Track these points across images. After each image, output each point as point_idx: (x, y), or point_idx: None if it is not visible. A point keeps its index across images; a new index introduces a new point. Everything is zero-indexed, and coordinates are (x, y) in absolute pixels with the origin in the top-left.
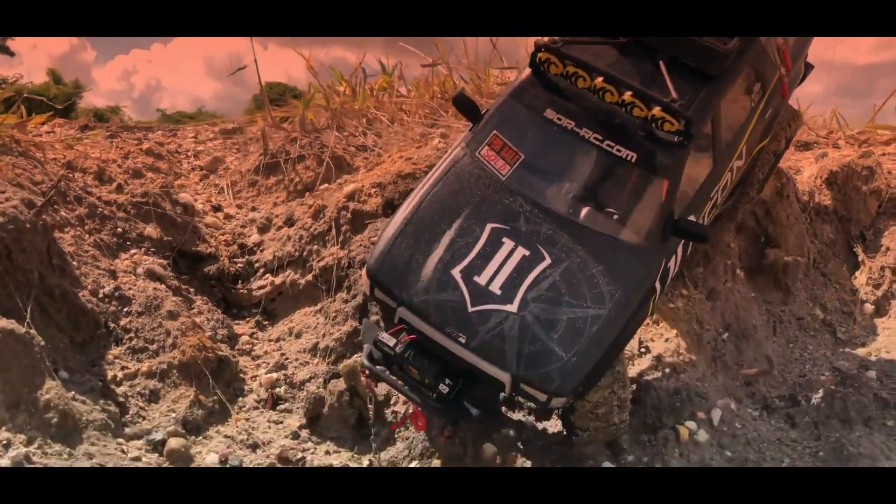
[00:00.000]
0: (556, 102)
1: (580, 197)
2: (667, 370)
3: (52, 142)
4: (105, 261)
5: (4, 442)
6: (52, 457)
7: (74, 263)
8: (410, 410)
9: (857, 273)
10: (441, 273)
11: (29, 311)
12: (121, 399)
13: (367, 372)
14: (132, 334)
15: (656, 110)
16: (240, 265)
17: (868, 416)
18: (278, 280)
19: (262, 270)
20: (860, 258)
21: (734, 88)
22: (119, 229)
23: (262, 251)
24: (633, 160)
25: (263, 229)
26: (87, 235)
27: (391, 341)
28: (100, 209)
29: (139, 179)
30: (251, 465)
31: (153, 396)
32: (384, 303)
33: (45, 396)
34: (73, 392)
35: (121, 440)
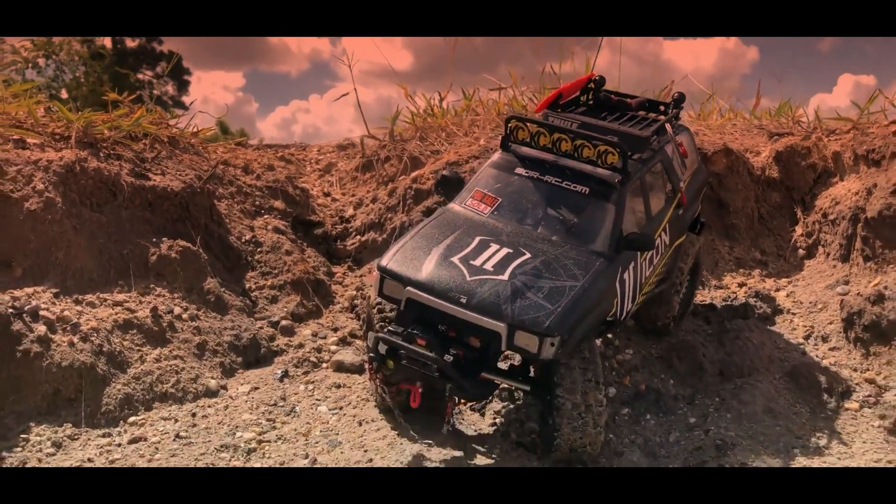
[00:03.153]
0: (523, 161)
1: (548, 221)
2: None
3: (215, 146)
4: (247, 220)
5: (185, 308)
6: (209, 318)
7: (227, 220)
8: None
9: (796, 227)
10: (442, 259)
11: (198, 241)
12: (253, 298)
13: (373, 367)
14: (262, 264)
15: (601, 147)
16: (339, 229)
17: (762, 316)
18: (364, 238)
19: (353, 233)
20: (798, 216)
21: (653, 167)
22: (256, 202)
23: (354, 220)
24: (587, 192)
25: (357, 206)
26: (236, 205)
27: (398, 329)
28: (244, 189)
29: (272, 172)
30: (328, 342)
31: (273, 299)
32: (391, 298)
33: (207, 286)
34: (223, 289)
35: (252, 319)
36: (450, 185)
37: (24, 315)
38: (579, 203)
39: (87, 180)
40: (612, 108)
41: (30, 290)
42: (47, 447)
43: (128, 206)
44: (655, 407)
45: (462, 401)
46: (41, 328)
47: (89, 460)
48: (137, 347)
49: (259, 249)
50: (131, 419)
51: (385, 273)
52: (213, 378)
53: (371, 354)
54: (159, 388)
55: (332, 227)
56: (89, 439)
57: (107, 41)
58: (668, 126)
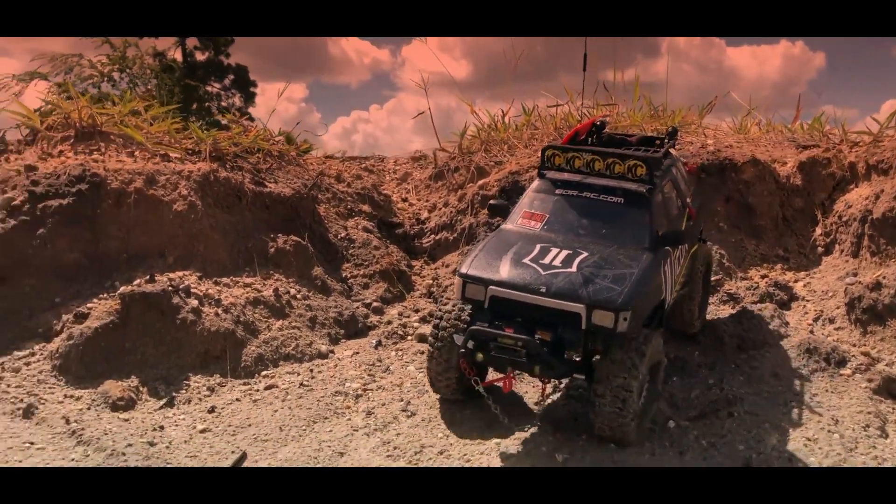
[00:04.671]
0: (561, 184)
1: (594, 229)
2: None
3: (311, 160)
4: (341, 221)
5: (299, 290)
6: (317, 299)
7: (326, 220)
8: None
9: (816, 228)
10: (516, 261)
11: (305, 237)
12: (349, 284)
13: (466, 361)
14: (355, 257)
15: (630, 161)
16: (416, 229)
17: (779, 301)
18: (437, 237)
19: (428, 232)
20: (818, 219)
21: (668, 182)
22: (348, 206)
23: (429, 222)
24: (622, 202)
25: (431, 210)
26: (332, 208)
27: (485, 325)
28: (338, 195)
29: (360, 181)
30: (411, 320)
31: (365, 286)
32: (472, 300)
33: (314, 273)
34: (327, 276)
35: (350, 300)
36: (499, 212)
37: (180, 292)
38: (617, 212)
39: (219, 187)
40: (618, 143)
41: (180, 273)
42: (203, 391)
43: (250, 209)
44: (681, 371)
45: (545, 382)
46: (193, 302)
47: (236, 400)
48: (265, 319)
49: (352, 245)
50: (264, 373)
51: (466, 278)
52: (323, 344)
53: (462, 350)
54: (283, 351)
55: (411, 227)
56: (234, 386)
57: (177, 54)
58: (672, 151)
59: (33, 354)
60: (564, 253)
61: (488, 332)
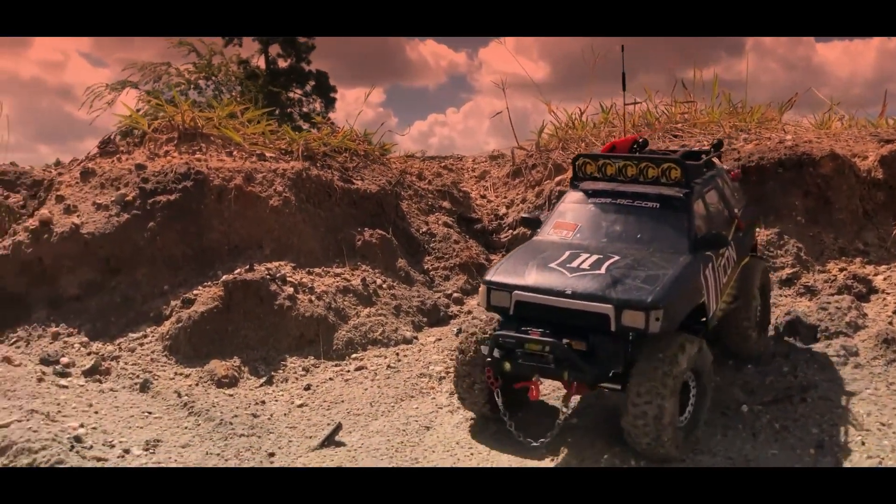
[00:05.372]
0: (594, 192)
1: (628, 235)
2: None
3: (394, 159)
4: (423, 217)
5: (384, 280)
6: (401, 288)
7: (408, 216)
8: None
9: None
10: (542, 266)
11: (390, 231)
12: (431, 276)
13: (492, 372)
14: (436, 251)
15: (664, 164)
16: (494, 225)
17: (858, 294)
18: (515, 232)
19: (506, 227)
20: None
21: (710, 190)
22: (429, 202)
23: (507, 217)
24: (658, 207)
25: (508, 206)
26: (414, 204)
27: (511, 331)
28: (419, 192)
29: (440, 178)
30: None
31: (446, 277)
32: (498, 308)
33: (398, 265)
34: (410, 268)
35: (432, 291)
36: (531, 225)
37: (277, 280)
38: (653, 217)
39: (311, 184)
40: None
41: (276, 263)
42: (299, 371)
43: (339, 204)
44: (756, 361)
45: (574, 389)
46: (289, 289)
47: (329, 379)
48: (353, 306)
49: (433, 239)
50: (354, 356)
51: (491, 285)
52: (407, 331)
53: (489, 359)
54: (371, 336)
55: (489, 222)
56: (326, 367)
57: (260, 62)
58: (715, 160)
59: (146, 336)
60: (594, 257)
61: (513, 337)
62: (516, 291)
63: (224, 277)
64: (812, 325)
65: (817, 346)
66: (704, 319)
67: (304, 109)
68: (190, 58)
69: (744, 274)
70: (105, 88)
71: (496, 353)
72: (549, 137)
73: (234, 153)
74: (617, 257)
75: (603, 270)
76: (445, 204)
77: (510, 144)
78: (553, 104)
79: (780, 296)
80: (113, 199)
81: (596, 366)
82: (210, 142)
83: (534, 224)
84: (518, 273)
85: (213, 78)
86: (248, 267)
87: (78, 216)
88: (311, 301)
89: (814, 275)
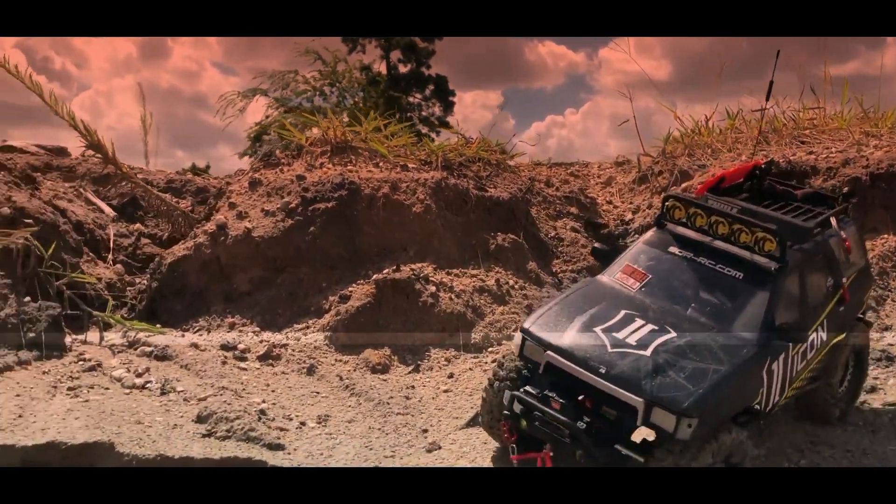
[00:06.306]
0: (678, 241)
1: (698, 302)
2: None
3: (522, 166)
4: (551, 222)
5: (516, 281)
6: (532, 289)
7: (537, 221)
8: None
9: None
10: (584, 329)
11: (521, 235)
12: (559, 279)
13: (508, 425)
14: (564, 254)
15: (759, 233)
16: (620, 230)
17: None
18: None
19: (633, 232)
20: None
21: (814, 259)
22: (557, 208)
23: (633, 223)
24: (741, 277)
25: (635, 211)
26: (542, 210)
27: (535, 391)
28: (548, 198)
29: (567, 185)
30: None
31: (574, 280)
32: (530, 360)
33: (529, 267)
34: (540, 270)
35: (559, 293)
36: (601, 257)
37: (421, 279)
38: (733, 287)
39: (449, 192)
40: (776, 196)
41: (420, 264)
42: (442, 361)
43: (474, 211)
44: (880, 361)
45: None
46: (431, 288)
47: (469, 370)
48: (488, 304)
49: (561, 243)
50: (490, 349)
51: (527, 335)
52: None
53: (506, 412)
54: (505, 332)
55: (615, 227)
56: (466, 359)
57: (382, 67)
58: (833, 220)
59: (308, 327)
60: (648, 328)
61: (534, 404)
62: (548, 352)
63: (375, 276)
64: None
65: None
66: (756, 411)
67: (424, 113)
68: (315, 65)
69: (833, 353)
70: (237, 96)
71: (516, 408)
72: (675, 143)
73: (381, 164)
74: (672, 334)
75: (648, 352)
76: (573, 209)
77: (632, 147)
78: (677, 105)
79: None
80: (278, 206)
81: (610, 457)
82: (359, 154)
83: (604, 256)
84: (559, 328)
85: (338, 84)
86: (395, 267)
87: (249, 221)
88: (451, 299)
89: None
